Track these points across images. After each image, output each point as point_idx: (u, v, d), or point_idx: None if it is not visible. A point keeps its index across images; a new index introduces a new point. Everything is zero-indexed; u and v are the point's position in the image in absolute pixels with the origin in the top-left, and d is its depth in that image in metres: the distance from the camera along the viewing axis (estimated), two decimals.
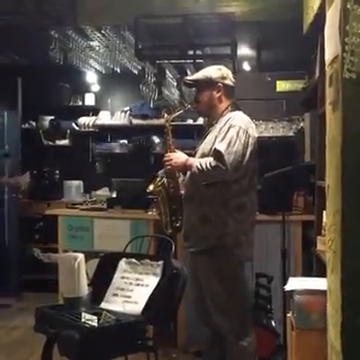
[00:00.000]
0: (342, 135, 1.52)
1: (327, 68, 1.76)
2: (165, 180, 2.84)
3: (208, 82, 2.77)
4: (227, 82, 2.79)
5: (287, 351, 2.46)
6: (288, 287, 2.24)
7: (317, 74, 3.39)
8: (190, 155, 2.80)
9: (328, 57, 1.73)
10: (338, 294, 1.53)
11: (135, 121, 6.17)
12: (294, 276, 2.59)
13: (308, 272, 3.37)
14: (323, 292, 1.86)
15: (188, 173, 2.74)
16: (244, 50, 5.38)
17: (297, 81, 4.76)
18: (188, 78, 2.96)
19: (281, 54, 5.30)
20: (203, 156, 2.69)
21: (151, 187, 2.83)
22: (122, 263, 2.90)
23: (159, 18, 4.42)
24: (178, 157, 2.76)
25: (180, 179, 2.89)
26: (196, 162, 2.65)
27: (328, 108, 1.74)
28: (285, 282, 2.48)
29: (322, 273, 2.37)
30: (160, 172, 3.06)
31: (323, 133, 2.00)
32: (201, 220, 2.67)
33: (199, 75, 2.83)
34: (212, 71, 2.80)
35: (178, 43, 4.64)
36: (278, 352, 3.04)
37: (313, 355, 2.03)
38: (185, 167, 2.73)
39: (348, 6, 1.48)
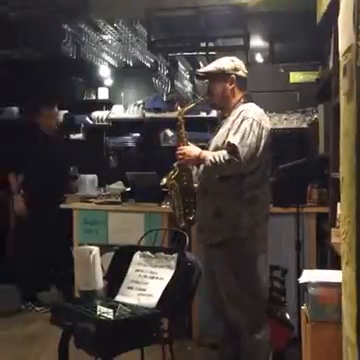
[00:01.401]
0: (357, 125, 1.50)
1: (341, 58, 1.73)
2: (178, 173, 2.84)
3: (221, 74, 2.75)
4: (240, 74, 2.77)
5: (301, 344, 2.45)
6: (302, 280, 2.23)
7: (331, 64, 3.35)
8: (203, 148, 2.79)
9: (342, 47, 1.70)
10: (353, 286, 1.52)
11: (148, 114, 6.17)
12: (308, 269, 2.57)
13: (322, 264, 3.36)
14: (338, 284, 1.85)
15: (202, 166, 2.73)
16: (257, 41, 5.34)
17: (311, 72, 4.72)
18: (200, 70, 2.94)
19: (294, 45, 5.25)
20: (216, 149, 2.69)
21: (164, 180, 2.84)
22: (136, 256, 2.91)
23: (171, 11, 4.41)
24: (191, 150, 2.76)
25: (194, 172, 2.89)
26: (210, 155, 2.65)
27: (342, 98, 1.72)
28: (299, 275, 2.47)
29: (336, 265, 2.36)
30: (174, 165, 3.06)
31: (337, 124, 1.98)
32: (215, 213, 2.66)
33: (211, 67, 2.81)
34: (225, 63, 2.78)
35: (190, 35, 4.63)
36: (292, 345, 3.03)
37: (328, 348, 2.02)
38: (198, 160, 2.72)
39: None
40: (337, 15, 1.80)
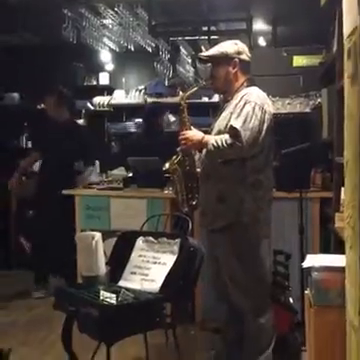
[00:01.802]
0: None
1: (346, 41, 1.71)
2: (181, 158, 2.83)
3: (224, 58, 2.72)
4: (243, 57, 2.74)
5: (305, 328, 2.46)
6: (306, 264, 2.23)
7: (335, 48, 3.31)
8: (206, 132, 2.77)
9: (347, 29, 1.68)
10: (357, 270, 1.51)
11: (150, 100, 6.14)
12: (312, 253, 2.57)
13: (326, 249, 3.36)
14: (341, 269, 1.85)
15: (204, 151, 2.71)
16: (259, 25, 5.29)
17: (314, 56, 4.67)
18: (203, 54, 2.91)
19: (297, 28, 5.21)
20: (219, 133, 2.67)
21: (167, 165, 2.82)
22: (139, 241, 2.91)
23: None
24: (194, 135, 2.74)
25: (196, 157, 2.87)
26: (212, 139, 2.63)
27: (346, 82, 1.70)
28: (303, 259, 2.47)
29: (340, 250, 2.35)
30: (178, 149, 3.04)
31: (341, 108, 1.96)
32: (218, 198, 2.65)
33: (214, 50, 2.78)
34: (228, 46, 2.75)
35: (192, 19, 4.59)
36: (296, 329, 3.04)
37: (331, 332, 2.03)
38: (201, 144, 2.70)
39: None
40: None
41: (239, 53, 2.73)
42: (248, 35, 4.47)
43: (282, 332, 2.96)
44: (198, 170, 2.83)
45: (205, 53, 2.90)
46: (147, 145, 4.51)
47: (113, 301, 2.48)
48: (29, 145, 6.36)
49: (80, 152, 4.62)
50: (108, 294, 2.51)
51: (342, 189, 2.75)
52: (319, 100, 4.40)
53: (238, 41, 2.80)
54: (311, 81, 4.62)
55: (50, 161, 4.63)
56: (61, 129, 4.61)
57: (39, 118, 5.62)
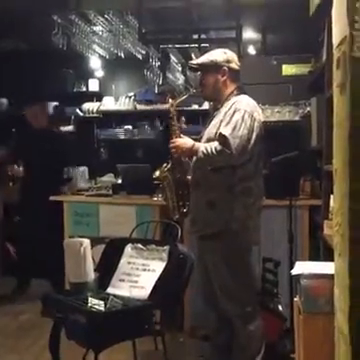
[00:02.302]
0: (350, 118, 1.50)
1: (335, 50, 1.73)
2: (171, 166, 2.83)
3: (213, 66, 2.74)
4: (232, 66, 2.76)
5: (294, 335, 2.46)
6: (295, 271, 2.24)
7: (324, 57, 3.35)
8: (196, 140, 2.78)
9: (336, 39, 1.70)
10: (346, 278, 1.52)
11: (139, 106, 6.14)
12: (301, 260, 2.58)
13: (315, 257, 3.37)
14: (330, 276, 1.86)
15: (194, 158, 2.72)
16: (249, 33, 5.32)
17: (303, 65, 4.71)
18: (193, 62, 2.92)
19: (287, 37, 5.25)
20: (209, 141, 2.68)
21: (157, 173, 2.83)
22: (128, 248, 2.91)
23: (163, 2, 4.38)
24: (184, 142, 2.75)
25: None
26: (202, 147, 2.64)
27: (335, 91, 1.72)
28: (292, 267, 2.48)
29: (329, 257, 2.37)
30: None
31: (330, 117, 1.98)
32: (208, 205, 2.66)
33: (204, 59, 2.80)
34: (217, 54, 2.77)
35: (182, 27, 4.61)
36: (285, 336, 3.05)
37: (320, 339, 2.03)
38: (191, 152, 2.71)
39: None
40: (330, 7, 1.79)
41: (228, 61, 2.75)
42: (238, 43, 4.49)
43: (271, 339, 2.96)
44: (189, 177, 2.83)
45: (195, 61, 2.92)
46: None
47: (101, 308, 2.47)
48: None
49: (61, 158, 4.68)
50: (96, 301, 2.50)
51: (331, 197, 2.77)
52: (308, 108, 4.43)
53: (227, 50, 2.83)
54: (300, 89, 4.65)
55: (33, 167, 4.66)
56: (41, 136, 4.70)
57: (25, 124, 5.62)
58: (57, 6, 4.47)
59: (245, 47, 5.49)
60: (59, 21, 4.65)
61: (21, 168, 4.95)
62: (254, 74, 4.55)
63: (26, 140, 4.81)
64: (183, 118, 4.48)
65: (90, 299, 2.52)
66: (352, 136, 1.50)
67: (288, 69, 4.87)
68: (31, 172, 4.69)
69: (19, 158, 4.90)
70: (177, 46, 5.23)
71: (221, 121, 2.66)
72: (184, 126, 5.51)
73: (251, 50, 5.81)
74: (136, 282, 2.75)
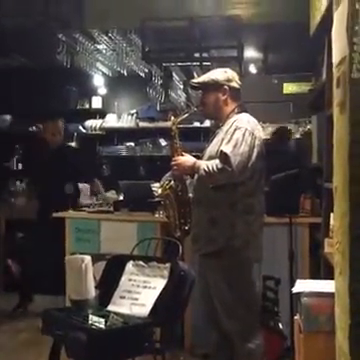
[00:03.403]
0: (350, 136, 1.52)
1: (335, 70, 1.75)
2: (173, 183, 2.85)
3: (214, 85, 2.77)
4: (233, 85, 2.79)
5: (295, 354, 2.44)
6: (295, 289, 2.23)
7: (324, 76, 3.38)
8: (197, 158, 2.80)
9: (336, 58, 1.72)
10: (346, 296, 1.52)
11: (142, 124, 6.18)
12: (301, 278, 2.57)
13: (315, 275, 3.36)
14: (331, 294, 1.85)
15: (196, 176, 2.74)
16: (250, 52, 5.38)
17: (304, 83, 4.76)
18: (194, 81, 2.96)
19: (288, 56, 5.30)
20: (210, 158, 2.69)
21: (159, 191, 2.84)
22: (129, 265, 2.90)
23: (166, 21, 4.43)
24: (186, 160, 2.77)
25: (188, 181, 2.89)
26: (203, 165, 2.66)
27: (336, 110, 1.73)
28: (292, 285, 2.47)
29: (329, 275, 2.36)
30: (167, 175, 3.06)
31: (330, 135, 1.99)
32: (209, 222, 2.66)
33: (205, 78, 2.84)
34: (218, 74, 2.80)
35: (185, 46, 4.65)
36: (285, 355, 3.03)
37: (321, 358, 2.02)
38: (193, 170, 2.73)
39: (357, 6, 1.48)
40: (330, 27, 1.82)
41: (229, 80, 2.78)
42: (239, 62, 4.54)
43: (272, 358, 2.94)
44: (190, 195, 2.84)
45: (196, 80, 2.96)
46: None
47: (102, 326, 2.45)
48: (20, 167, 6.35)
49: (72, 174, 4.68)
50: (97, 318, 2.49)
51: (331, 215, 2.77)
52: (309, 126, 4.47)
53: (228, 69, 2.87)
54: (301, 108, 4.69)
55: (51, 184, 4.62)
56: (58, 153, 4.75)
57: (31, 141, 5.67)
58: (62, 24, 4.54)
59: (246, 66, 5.55)
60: (63, 39, 4.71)
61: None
62: (255, 92, 4.60)
63: (43, 157, 4.83)
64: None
65: (91, 316, 2.51)
66: (352, 155, 1.52)
67: (289, 87, 4.92)
68: (49, 189, 4.64)
69: (36, 175, 4.90)
70: (179, 64, 5.28)
71: (222, 139, 2.68)
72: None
73: (252, 69, 5.86)
74: (137, 299, 2.73)
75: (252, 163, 2.61)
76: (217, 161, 2.61)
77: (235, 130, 2.64)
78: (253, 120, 2.75)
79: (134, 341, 2.50)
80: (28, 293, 4.67)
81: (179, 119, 2.90)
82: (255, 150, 2.63)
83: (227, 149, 2.58)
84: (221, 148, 2.62)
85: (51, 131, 4.83)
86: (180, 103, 5.86)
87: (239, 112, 2.77)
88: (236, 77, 2.83)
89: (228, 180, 2.61)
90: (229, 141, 2.61)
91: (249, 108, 2.87)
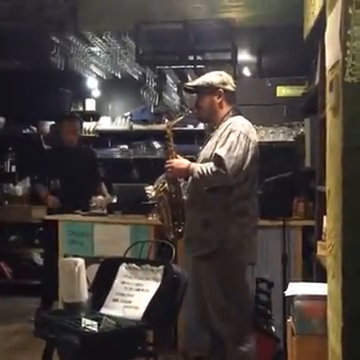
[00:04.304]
0: (343, 140, 1.53)
1: (328, 73, 1.76)
2: (167, 186, 2.85)
3: (209, 88, 2.78)
4: (228, 87, 2.80)
5: (287, 357, 2.45)
6: (288, 292, 2.24)
7: (317, 79, 3.39)
8: (192, 160, 2.80)
9: (329, 62, 1.73)
10: (338, 299, 1.53)
11: (136, 126, 6.18)
12: (294, 281, 2.58)
13: (308, 277, 3.37)
14: (323, 297, 1.86)
15: (190, 178, 2.74)
16: (244, 56, 5.40)
17: (297, 86, 4.76)
18: (189, 84, 2.96)
19: (281, 60, 5.32)
20: (204, 161, 2.70)
21: (153, 193, 2.85)
22: (122, 268, 2.89)
23: (160, 24, 4.44)
24: (180, 163, 2.77)
25: (181, 184, 2.89)
26: (197, 167, 2.66)
27: (329, 113, 1.75)
28: (285, 287, 2.48)
29: (322, 278, 2.37)
30: (160, 177, 3.06)
31: (323, 138, 2.00)
32: (203, 225, 2.67)
33: (200, 81, 2.84)
34: (213, 77, 2.81)
35: (178, 49, 4.66)
36: (278, 358, 3.03)
37: None
38: (187, 173, 2.73)
39: (350, 11, 1.49)
40: (324, 31, 1.83)
41: (224, 83, 2.79)
42: (233, 65, 4.54)
43: None
44: (184, 198, 2.84)
45: (191, 83, 2.96)
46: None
47: (94, 329, 2.44)
48: (13, 170, 6.32)
49: (94, 172, 4.79)
50: (90, 321, 2.47)
51: (324, 218, 2.78)
52: (302, 130, 4.47)
53: (223, 72, 2.87)
54: (294, 111, 4.70)
55: (70, 184, 4.56)
56: (75, 152, 4.72)
57: (24, 143, 5.63)
58: (56, 27, 4.53)
59: (240, 69, 5.56)
60: (57, 42, 4.71)
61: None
62: (249, 95, 4.59)
63: (60, 157, 4.72)
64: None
65: (83, 319, 2.50)
66: (345, 158, 1.53)
67: (282, 91, 4.92)
68: (69, 188, 4.57)
69: (53, 175, 4.74)
70: (173, 67, 5.29)
71: (217, 142, 2.68)
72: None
73: (246, 72, 5.88)
74: (130, 302, 2.73)
75: (246, 166, 2.62)
76: (212, 164, 2.61)
77: (230, 133, 2.64)
78: (247, 123, 2.76)
79: (127, 344, 2.49)
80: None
81: (174, 122, 2.90)
82: (249, 153, 2.64)
83: (222, 152, 2.59)
84: (216, 151, 2.62)
85: (67, 130, 4.76)
86: (174, 106, 5.86)
87: (234, 115, 2.78)
88: (231, 80, 2.84)
89: (222, 183, 2.61)
90: (224, 144, 2.62)
91: (242, 111, 2.87)
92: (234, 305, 2.67)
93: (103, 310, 2.75)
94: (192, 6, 4.39)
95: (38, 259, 5.71)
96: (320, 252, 2.92)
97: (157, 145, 6.13)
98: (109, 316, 2.58)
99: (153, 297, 2.66)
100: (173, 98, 5.87)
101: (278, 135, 4.94)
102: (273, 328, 3.08)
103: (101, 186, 4.82)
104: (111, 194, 4.58)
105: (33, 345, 3.28)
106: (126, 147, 6.30)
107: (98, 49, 5.00)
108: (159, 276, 2.74)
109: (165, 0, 4.41)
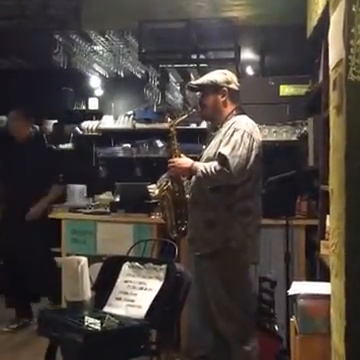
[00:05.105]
0: (346, 139, 1.52)
1: (331, 72, 1.76)
2: (170, 184, 2.85)
3: (213, 86, 2.78)
4: (232, 86, 2.80)
5: (290, 356, 2.45)
6: (291, 291, 2.24)
7: (321, 78, 3.39)
8: (195, 159, 2.80)
9: (332, 61, 1.73)
10: (342, 298, 1.52)
11: (138, 125, 6.18)
12: (297, 280, 2.57)
13: (311, 276, 3.37)
14: (327, 296, 1.86)
15: (193, 177, 2.74)
16: (247, 54, 5.39)
17: (300, 85, 4.75)
18: (193, 82, 2.96)
19: (284, 58, 5.31)
20: (208, 160, 2.70)
21: (156, 192, 2.85)
22: (125, 267, 2.90)
23: (163, 22, 4.44)
24: (183, 162, 2.78)
25: (184, 183, 2.89)
26: (201, 166, 2.66)
27: (332, 112, 1.74)
28: (288, 286, 2.47)
29: (325, 277, 2.37)
30: (163, 176, 3.06)
31: (327, 137, 2.00)
32: (206, 224, 2.67)
33: (204, 79, 2.84)
34: (217, 75, 2.81)
35: (181, 47, 4.65)
36: (281, 357, 3.03)
37: None
38: (190, 172, 2.73)
39: (353, 9, 1.49)
40: (327, 30, 1.82)
41: (228, 82, 2.78)
42: (236, 64, 4.53)
43: None
44: (187, 196, 2.84)
45: (195, 82, 2.95)
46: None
47: (97, 327, 2.45)
48: None
49: (44, 172, 4.26)
50: (93, 320, 2.48)
51: (327, 217, 2.78)
52: (305, 129, 4.47)
53: (227, 71, 2.87)
54: (297, 110, 4.69)
55: (18, 185, 4.25)
56: (23, 149, 4.32)
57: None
58: (59, 26, 4.54)
59: (243, 68, 5.56)
60: (60, 40, 4.72)
61: None
62: (252, 94, 4.59)
63: (9, 156, 4.39)
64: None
65: (86, 318, 2.50)
66: (348, 157, 1.52)
67: (285, 90, 4.91)
68: (18, 190, 4.24)
69: (5, 176, 4.37)
70: (176, 66, 5.28)
71: (220, 141, 2.68)
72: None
73: (249, 71, 5.87)
74: (133, 301, 2.73)
75: (250, 165, 2.61)
76: (215, 163, 2.61)
77: (234, 132, 2.64)
78: (251, 122, 2.75)
79: (130, 343, 2.49)
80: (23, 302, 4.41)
81: (177, 121, 2.90)
82: (253, 152, 2.64)
83: (226, 151, 2.58)
84: (219, 150, 2.62)
85: (16, 125, 4.34)
86: (177, 105, 5.86)
87: (238, 114, 2.78)
88: (235, 79, 2.83)
89: (226, 182, 2.61)
90: (227, 143, 2.62)
91: (245, 110, 2.87)
92: (237, 304, 2.67)
93: (106, 309, 2.75)
94: (195, 5, 4.39)
95: None
96: (323, 251, 2.92)
97: (160, 144, 6.13)
98: (112, 315, 2.59)
99: (156, 296, 2.66)
100: (176, 97, 5.87)
101: (281, 134, 4.93)
102: (276, 327, 3.08)
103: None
104: (113, 193, 4.57)
105: (36, 343, 3.28)
106: (129, 146, 6.29)
107: (101, 48, 5.00)
108: (162, 275, 2.74)
109: None
